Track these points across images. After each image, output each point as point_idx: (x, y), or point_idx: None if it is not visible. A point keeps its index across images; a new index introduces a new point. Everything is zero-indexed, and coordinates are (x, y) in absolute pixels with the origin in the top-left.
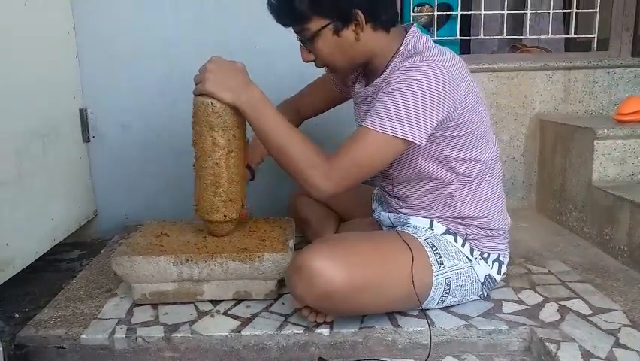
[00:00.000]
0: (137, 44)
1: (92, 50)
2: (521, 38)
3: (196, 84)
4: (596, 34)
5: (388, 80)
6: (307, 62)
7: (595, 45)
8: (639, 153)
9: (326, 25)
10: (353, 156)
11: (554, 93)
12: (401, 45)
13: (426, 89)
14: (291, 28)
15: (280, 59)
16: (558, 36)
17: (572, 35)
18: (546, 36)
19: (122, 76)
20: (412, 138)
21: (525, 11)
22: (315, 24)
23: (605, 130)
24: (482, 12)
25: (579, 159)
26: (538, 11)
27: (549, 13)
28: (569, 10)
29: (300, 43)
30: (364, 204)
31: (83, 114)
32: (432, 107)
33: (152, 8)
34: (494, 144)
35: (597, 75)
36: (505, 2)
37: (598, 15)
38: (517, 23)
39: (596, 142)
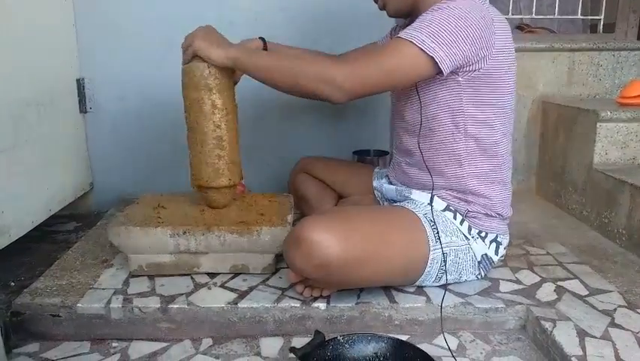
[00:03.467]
0: (136, 15)
1: (90, 19)
2: (530, 18)
3: (184, 51)
4: (602, 16)
5: None
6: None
7: (601, 27)
8: None
9: None
10: (377, 59)
11: (558, 75)
12: None
13: (462, 14)
14: None
15: (281, 31)
16: (565, 17)
17: (579, 17)
18: (552, 16)
19: (120, 47)
20: (435, 55)
21: None
22: None
23: (609, 113)
24: None
25: (581, 141)
26: None
27: None
28: None
29: None
30: (362, 182)
31: (80, 84)
32: (464, 33)
33: None
34: (511, 125)
35: (602, 58)
36: None
37: None
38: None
39: (598, 125)
